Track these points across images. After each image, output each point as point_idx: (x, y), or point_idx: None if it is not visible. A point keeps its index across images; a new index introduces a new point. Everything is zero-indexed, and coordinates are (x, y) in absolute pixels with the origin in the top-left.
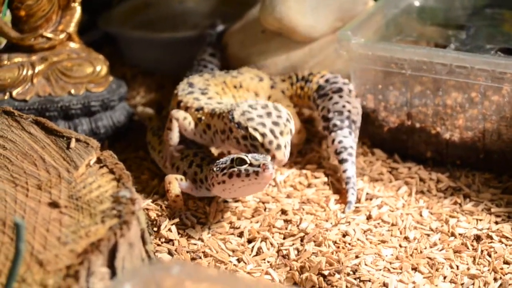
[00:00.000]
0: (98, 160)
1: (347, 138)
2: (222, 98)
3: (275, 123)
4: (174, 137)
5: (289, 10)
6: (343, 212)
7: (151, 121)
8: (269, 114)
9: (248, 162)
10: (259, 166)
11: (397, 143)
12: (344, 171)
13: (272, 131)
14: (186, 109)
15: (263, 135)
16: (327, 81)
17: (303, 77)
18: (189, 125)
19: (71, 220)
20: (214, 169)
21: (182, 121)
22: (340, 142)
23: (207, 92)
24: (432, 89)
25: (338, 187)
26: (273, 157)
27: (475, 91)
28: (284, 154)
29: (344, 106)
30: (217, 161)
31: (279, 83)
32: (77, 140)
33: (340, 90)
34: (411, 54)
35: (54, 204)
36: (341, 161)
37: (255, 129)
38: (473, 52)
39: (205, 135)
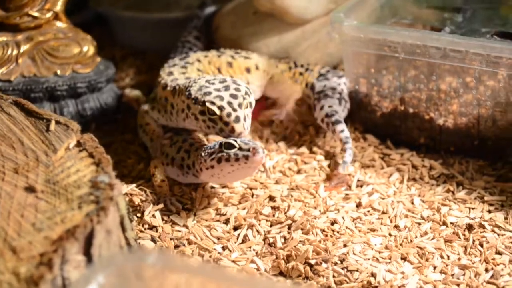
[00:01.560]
0: (78, 144)
1: (336, 105)
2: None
3: (233, 96)
4: (155, 128)
5: None
6: (335, 177)
7: (139, 103)
8: (227, 88)
9: (237, 146)
10: (248, 150)
11: (390, 128)
12: (342, 131)
13: (230, 104)
14: (159, 84)
15: (220, 108)
16: (328, 71)
17: (302, 65)
18: (158, 113)
19: (47, 206)
20: (202, 154)
21: (151, 112)
22: (330, 106)
23: (186, 67)
24: (426, 74)
25: (328, 173)
26: (232, 130)
27: (470, 75)
28: (243, 126)
29: (339, 84)
30: (205, 146)
31: (279, 63)
32: (57, 122)
33: (341, 76)
34: (404, 37)
35: (30, 189)
36: (335, 123)
37: (212, 103)
38: (468, 36)
39: (172, 116)
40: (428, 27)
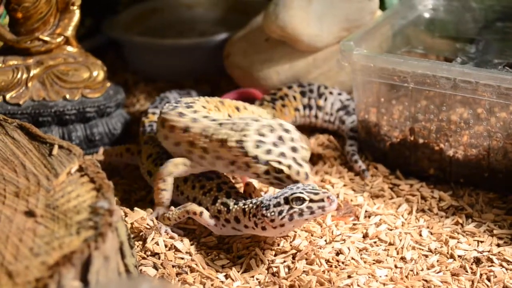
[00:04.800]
0: (80, 169)
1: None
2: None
3: (294, 150)
4: (169, 196)
5: (292, 18)
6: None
7: (132, 152)
8: (281, 138)
9: (308, 198)
10: (322, 200)
11: (399, 158)
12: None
13: (294, 160)
14: (172, 128)
15: (289, 166)
16: (301, 85)
17: (273, 99)
18: (185, 166)
19: (45, 231)
20: (267, 214)
21: (177, 171)
22: (351, 145)
23: (192, 106)
24: (437, 104)
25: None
26: None
27: (481, 107)
28: (312, 181)
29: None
30: (262, 203)
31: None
32: (60, 147)
33: (326, 86)
34: (414, 66)
35: (30, 213)
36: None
37: (279, 162)
38: (480, 67)
39: (204, 160)
40: (441, 57)
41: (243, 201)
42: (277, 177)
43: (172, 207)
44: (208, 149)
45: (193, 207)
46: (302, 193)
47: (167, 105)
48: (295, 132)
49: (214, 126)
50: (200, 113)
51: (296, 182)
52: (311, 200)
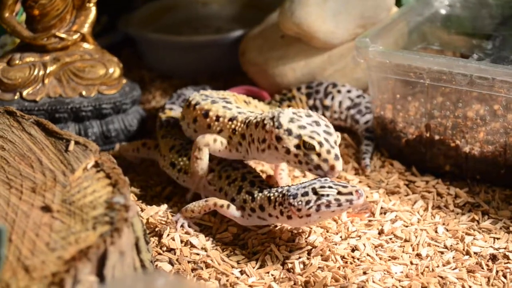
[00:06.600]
0: (96, 164)
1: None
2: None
3: (327, 133)
4: (205, 166)
5: (308, 15)
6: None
7: (149, 147)
8: (317, 123)
9: (336, 190)
10: (350, 193)
11: (415, 155)
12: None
13: (327, 140)
14: (218, 118)
15: (320, 143)
16: (309, 87)
17: (281, 98)
18: (221, 145)
19: (62, 226)
20: (294, 203)
21: (213, 144)
22: (366, 144)
23: (230, 101)
24: (453, 100)
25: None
26: (332, 168)
27: (498, 103)
28: (341, 165)
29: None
30: (288, 192)
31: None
32: (76, 142)
33: (335, 85)
34: (430, 63)
35: (46, 208)
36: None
37: (311, 137)
38: (497, 63)
39: (240, 147)
40: (457, 54)
41: (268, 189)
42: (307, 154)
43: (196, 202)
44: (245, 135)
45: (219, 200)
46: (329, 184)
47: (201, 97)
48: (330, 124)
49: (254, 115)
50: (241, 108)
51: (325, 161)
52: (339, 193)
